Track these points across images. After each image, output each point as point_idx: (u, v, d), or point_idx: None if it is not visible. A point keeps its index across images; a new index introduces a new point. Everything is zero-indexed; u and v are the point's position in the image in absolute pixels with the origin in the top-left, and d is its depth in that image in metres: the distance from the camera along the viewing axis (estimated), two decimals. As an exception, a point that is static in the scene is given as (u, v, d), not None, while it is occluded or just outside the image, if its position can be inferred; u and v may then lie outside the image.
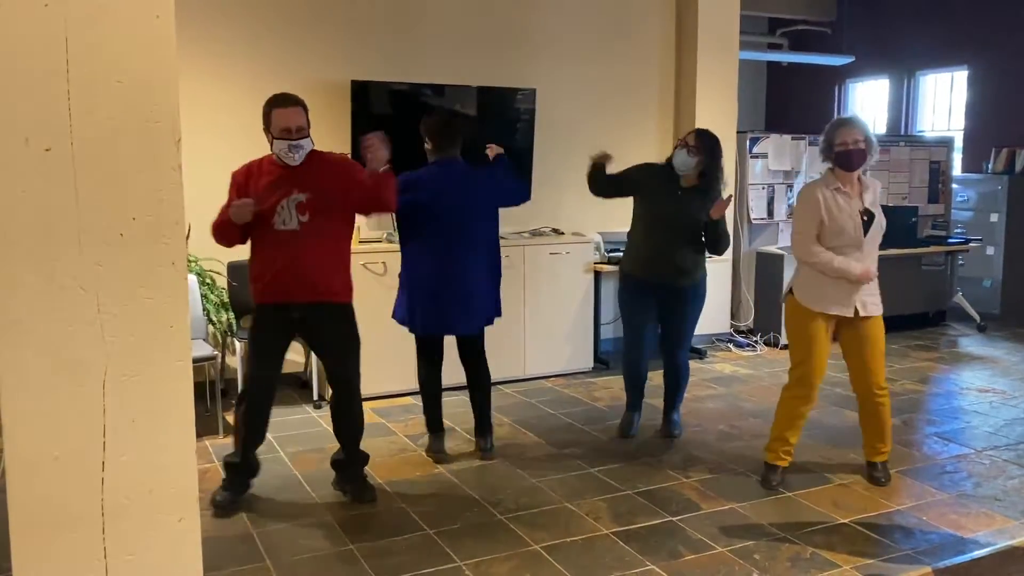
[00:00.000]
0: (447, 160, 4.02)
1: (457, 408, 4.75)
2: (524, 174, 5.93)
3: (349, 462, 3.76)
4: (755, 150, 6.83)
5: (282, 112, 3.40)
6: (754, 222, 6.87)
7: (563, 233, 5.99)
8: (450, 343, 4.23)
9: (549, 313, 5.69)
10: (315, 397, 5.09)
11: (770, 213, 6.92)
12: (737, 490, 3.81)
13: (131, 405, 2.05)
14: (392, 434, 4.58)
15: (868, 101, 9.73)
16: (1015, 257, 7.67)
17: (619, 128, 6.34)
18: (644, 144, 6.40)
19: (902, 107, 9.13)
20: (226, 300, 4.98)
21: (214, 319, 4.89)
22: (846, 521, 3.48)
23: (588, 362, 5.90)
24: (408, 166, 3.99)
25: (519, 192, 4.29)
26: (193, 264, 4.78)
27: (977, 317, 7.25)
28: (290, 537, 3.37)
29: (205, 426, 4.51)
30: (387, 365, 5.16)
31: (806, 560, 3.15)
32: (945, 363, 6.22)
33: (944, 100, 9.01)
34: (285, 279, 3.45)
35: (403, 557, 3.17)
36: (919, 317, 7.29)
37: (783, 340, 6.46)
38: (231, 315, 4.94)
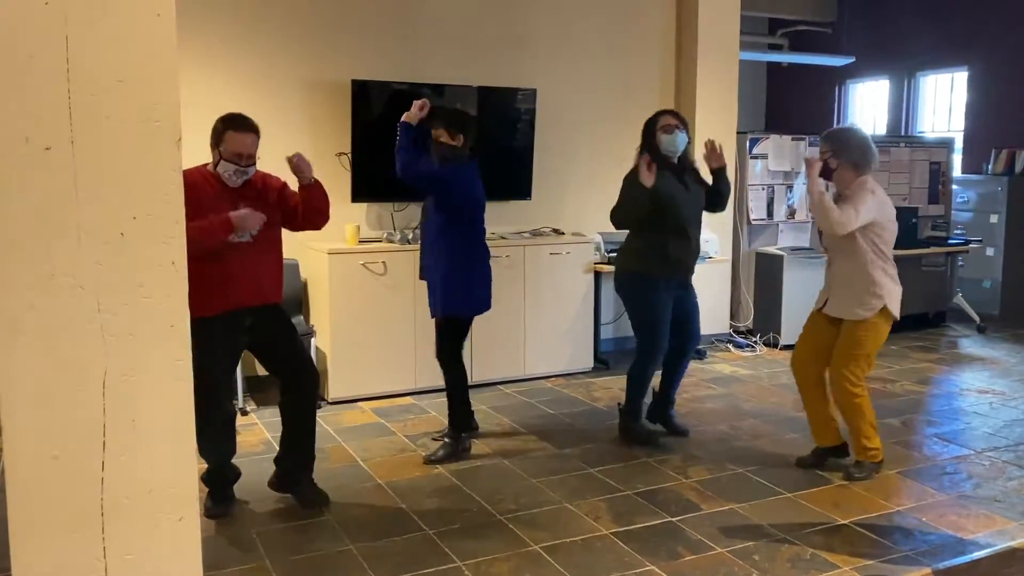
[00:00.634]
0: (473, 157, 4.26)
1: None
2: (524, 173, 5.97)
3: (306, 461, 3.72)
4: (755, 151, 6.83)
5: (237, 137, 3.39)
6: (753, 223, 6.87)
7: (563, 233, 5.99)
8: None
9: (549, 313, 5.69)
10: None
11: (770, 214, 6.92)
12: (737, 491, 3.81)
13: (131, 404, 2.05)
14: (392, 434, 4.58)
15: (868, 102, 9.73)
16: (1015, 258, 7.67)
17: (619, 128, 6.34)
18: (644, 144, 6.39)
19: (902, 108, 9.14)
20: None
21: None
22: (846, 522, 3.48)
23: (588, 362, 5.90)
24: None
25: None
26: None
27: (977, 318, 7.25)
28: (290, 537, 3.37)
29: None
30: (387, 365, 5.17)
31: (806, 561, 3.15)
32: (945, 364, 6.22)
33: (944, 101, 9.01)
34: (246, 288, 3.47)
35: (402, 557, 3.17)
36: (919, 318, 7.29)
37: (783, 340, 6.48)
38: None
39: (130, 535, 2.09)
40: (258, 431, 4.57)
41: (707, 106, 6.51)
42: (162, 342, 2.07)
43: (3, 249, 1.92)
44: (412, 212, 5.48)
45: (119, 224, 2.00)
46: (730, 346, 6.62)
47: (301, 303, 5.36)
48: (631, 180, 4.21)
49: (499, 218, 5.59)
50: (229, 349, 3.56)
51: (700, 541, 3.31)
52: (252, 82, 5.21)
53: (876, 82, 9.51)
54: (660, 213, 4.17)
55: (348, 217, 5.40)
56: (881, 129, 9.35)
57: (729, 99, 6.65)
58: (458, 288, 4.18)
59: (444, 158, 4.11)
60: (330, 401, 5.06)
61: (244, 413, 4.84)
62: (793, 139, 6.98)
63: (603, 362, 6.04)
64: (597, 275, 5.90)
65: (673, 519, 3.51)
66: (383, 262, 5.13)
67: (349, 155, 5.40)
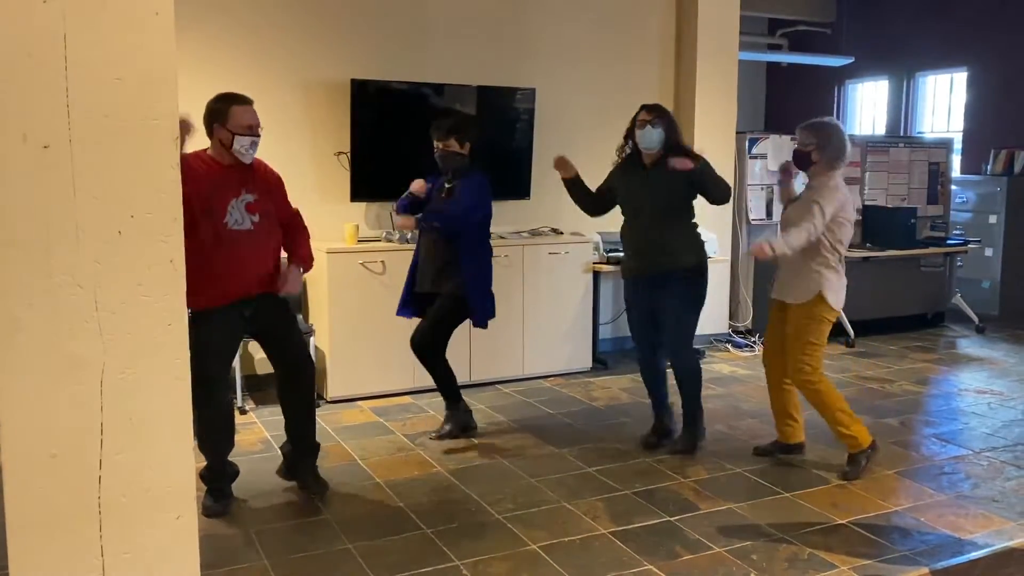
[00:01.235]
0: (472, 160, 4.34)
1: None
2: (523, 173, 5.96)
3: (310, 450, 3.77)
4: (754, 151, 6.83)
5: (243, 109, 3.44)
6: (753, 223, 6.87)
7: (562, 233, 5.99)
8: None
9: (548, 313, 5.69)
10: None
11: (769, 214, 6.91)
12: (735, 490, 3.81)
13: (128, 403, 2.05)
14: (391, 433, 4.58)
15: (867, 102, 9.73)
16: (1014, 258, 7.67)
17: (619, 128, 6.30)
18: (643, 144, 6.40)
19: (901, 108, 9.14)
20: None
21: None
22: (844, 522, 3.48)
23: (587, 362, 5.91)
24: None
25: None
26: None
27: (976, 318, 7.25)
28: (288, 536, 3.37)
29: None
30: (386, 364, 5.17)
31: (804, 561, 3.15)
32: (943, 364, 6.22)
33: (943, 101, 9.02)
34: (246, 277, 3.48)
35: (401, 556, 3.17)
36: (918, 318, 7.30)
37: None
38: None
39: (128, 533, 2.09)
40: (257, 430, 4.57)
41: (706, 106, 6.51)
42: (160, 341, 2.07)
43: (1, 247, 1.92)
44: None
45: (117, 223, 2.00)
46: (729, 346, 6.62)
47: (300, 302, 5.36)
48: (612, 170, 4.40)
49: (498, 218, 5.55)
50: (228, 340, 3.58)
51: (698, 541, 3.31)
52: (251, 81, 5.20)
53: (875, 82, 9.51)
54: (621, 207, 4.34)
55: (347, 216, 5.40)
56: (880, 129, 9.35)
57: (728, 99, 6.64)
58: (489, 290, 4.38)
59: (456, 170, 4.10)
60: (329, 400, 5.06)
61: (243, 412, 4.83)
62: (792, 139, 6.95)
63: (602, 362, 6.04)
64: (596, 275, 5.91)
65: (671, 519, 3.51)
66: (382, 261, 5.13)
67: (348, 154, 5.40)
